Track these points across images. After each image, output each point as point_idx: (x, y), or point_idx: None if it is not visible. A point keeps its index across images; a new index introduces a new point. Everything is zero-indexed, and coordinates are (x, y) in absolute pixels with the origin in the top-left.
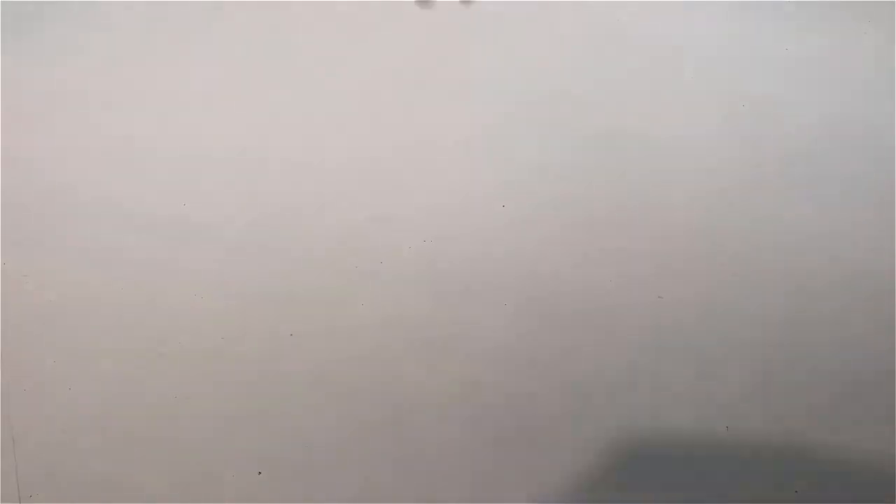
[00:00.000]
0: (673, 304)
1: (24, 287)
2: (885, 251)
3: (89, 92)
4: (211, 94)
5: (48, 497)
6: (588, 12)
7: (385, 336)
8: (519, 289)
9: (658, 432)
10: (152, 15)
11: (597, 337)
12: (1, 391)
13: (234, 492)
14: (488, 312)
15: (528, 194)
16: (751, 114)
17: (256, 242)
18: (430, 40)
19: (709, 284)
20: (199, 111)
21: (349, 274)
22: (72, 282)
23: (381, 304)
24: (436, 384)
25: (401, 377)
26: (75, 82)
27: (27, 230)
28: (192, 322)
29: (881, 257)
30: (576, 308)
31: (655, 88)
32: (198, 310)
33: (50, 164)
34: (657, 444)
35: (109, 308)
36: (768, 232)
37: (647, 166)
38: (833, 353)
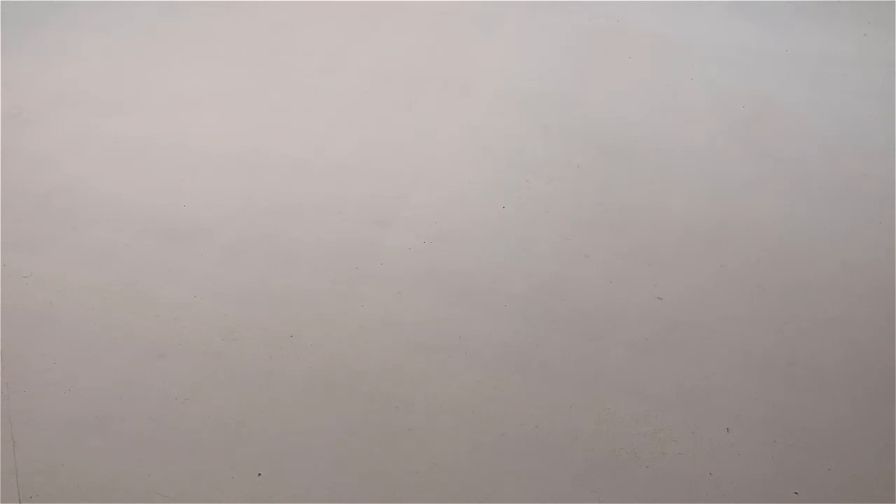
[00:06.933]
0: (673, 305)
1: (24, 287)
2: (884, 251)
3: (89, 92)
4: (211, 95)
5: (48, 497)
6: (588, 13)
7: (385, 336)
8: (519, 289)
9: (658, 431)
10: (152, 16)
11: (597, 337)
12: (1, 391)
13: (235, 492)
14: (488, 313)
15: (528, 194)
16: (751, 114)
17: (256, 243)
18: (430, 40)
19: (708, 285)
20: (198, 111)
21: (349, 274)
22: (72, 282)
23: (381, 305)
24: (436, 384)
25: (401, 377)
26: (75, 82)
27: (27, 230)
28: (192, 322)
29: (881, 257)
30: (575, 308)
31: (655, 89)
32: (198, 310)
33: (50, 164)
34: (657, 444)
35: (109, 308)
36: (768, 232)
37: (647, 167)
38: (833, 352)
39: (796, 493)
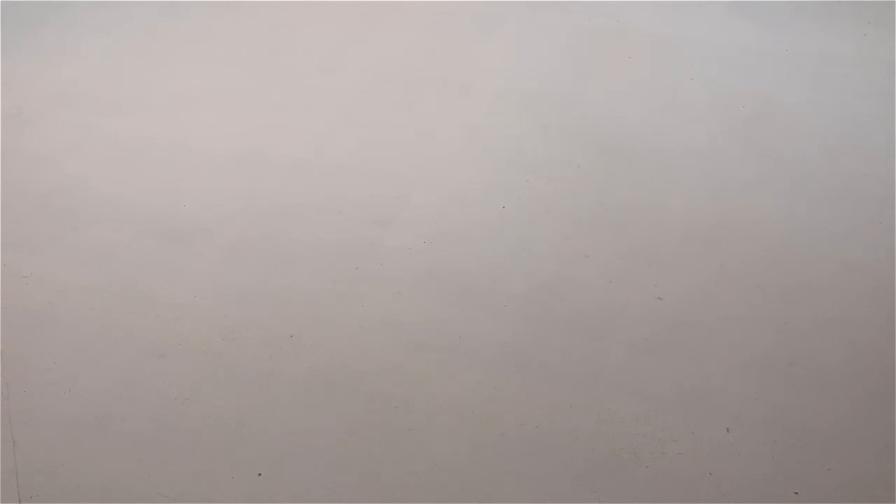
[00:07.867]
0: (673, 305)
1: (24, 287)
2: (884, 251)
3: (89, 92)
4: (211, 95)
5: (48, 497)
6: (588, 13)
7: (385, 336)
8: (519, 289)
9: (658, 431)
10: (152, 16)
11: (597, 337)
12: (1, 391)
13: (235, 492)
14: (488, 313)
15: (528, 194)
16: (751, 114)
17: (256, 243)
18: (430, 40)
19: (708, 285)
20: (198, 111)
21: (349, 274)
22: (72, 282)
23: (381, 305)
24: (436, 384)
25: (401, 377)
26: (75, 82)
27: (27, 230)
28: (192, 322)
29: (881, 257)
30: (575, 308)
31: (655, 89)
32: (198, 310)
33: (50, 164)
34: (657, 444)
35: (109, 308)
36: (768, 232)
37: (647, 167)
38: (833, 352)
39: (796, 493)
